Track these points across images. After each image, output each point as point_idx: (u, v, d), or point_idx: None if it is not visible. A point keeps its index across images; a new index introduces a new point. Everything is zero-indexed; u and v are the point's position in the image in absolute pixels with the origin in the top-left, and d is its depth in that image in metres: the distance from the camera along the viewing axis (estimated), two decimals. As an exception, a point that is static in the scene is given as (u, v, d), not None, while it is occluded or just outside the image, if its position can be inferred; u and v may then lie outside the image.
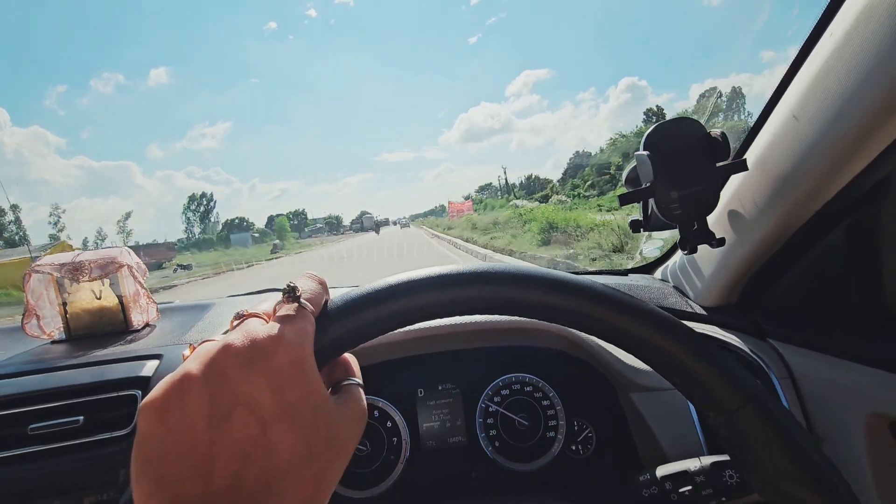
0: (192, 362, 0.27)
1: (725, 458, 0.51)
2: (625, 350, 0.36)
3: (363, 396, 0.33)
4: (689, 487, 0.50)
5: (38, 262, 0.84)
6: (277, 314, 0.30)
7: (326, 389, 0.30)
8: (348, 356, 0.36)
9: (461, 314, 0.36)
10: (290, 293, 0.31)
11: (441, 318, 0.36)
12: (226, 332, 0.30)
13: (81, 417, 0.62)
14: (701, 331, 0.80)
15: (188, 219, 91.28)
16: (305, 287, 0.33)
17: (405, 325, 0.35)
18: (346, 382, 0.34)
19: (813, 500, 0.30)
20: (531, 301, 0.34)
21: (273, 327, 0.29)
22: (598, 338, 0.36)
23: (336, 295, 0.35)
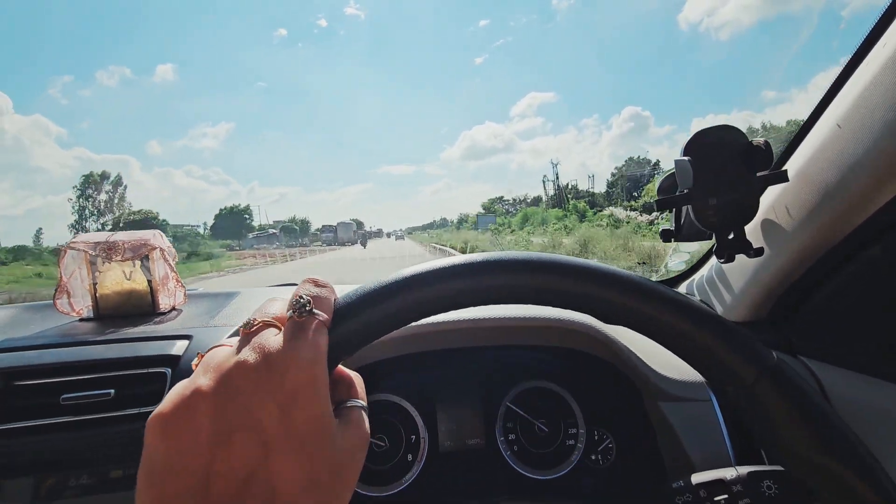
0: (204, 377, 0.27)
1: (763, 468, 0.49)
2: (636, 330, 0.36)
3: (366, 420, 0.32)
4: (725, 496, 0.49)
5: (73, 240, 0.86)
6: (289, 328, 0.29)
7: (332, 411, 0.29)
8: (353, 376, 0.35)
9: (479, 304, 0.36)
10: (300, 309, 0.30)
11: (453, 309, 0.35)
12: (238, 337, 0.30)
13: (112, 391, 0.63)
14: None
15: (80, 207, 64.51)
16: (314, 294, 0.31)
17: (419, 318, 0.35)
18: (349, 404, 0.32)
19: (837, 468, 0.31)
20: (547, 286, 0.35)
21: (287, 343, 0.28)
22: (608, 322, 0.37)
23: (349, 290, 0.34)
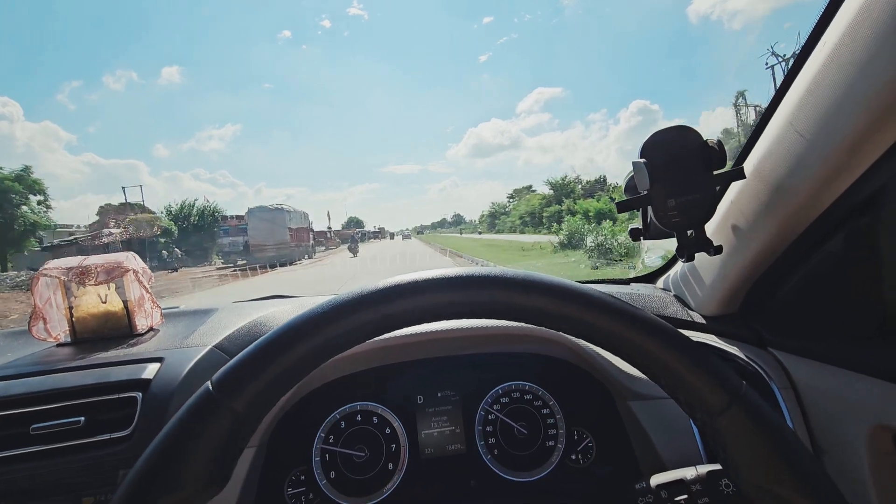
0: None
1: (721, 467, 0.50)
2: (610, 352, 0.35)
3: None
4: (685, 496, 0.49)
5: (45, 266, 0.85)
6: None
7: None
8: None
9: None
10: None
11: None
12: None
13: (83, 418, 0.63)
14: (701, 340, 0.79)
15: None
16: None
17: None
18: None
19: (799, 502, 0.30)
20: (518, 304, 0.35)
21: None
22: (581, 339, 0.36)
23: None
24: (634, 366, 0.35)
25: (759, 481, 0.31)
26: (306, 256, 28.44)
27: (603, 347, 0.36)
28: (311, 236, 33.21)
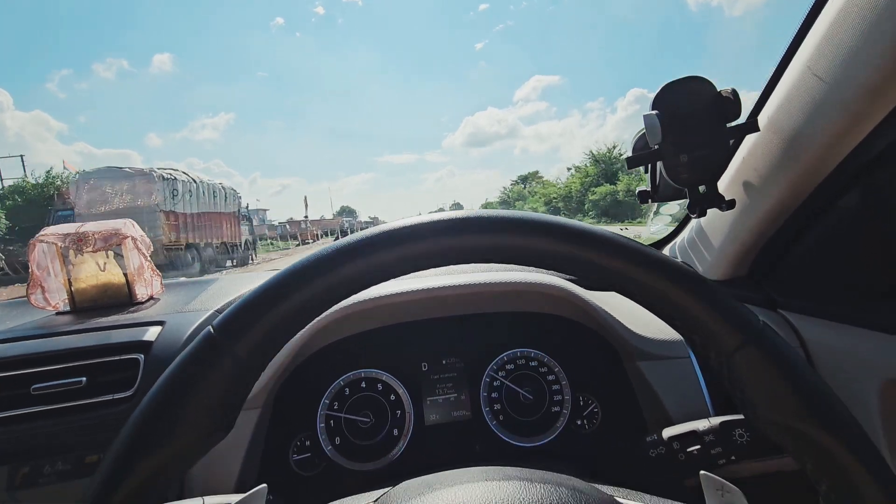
0: None
1: (735, 417, 0.49)
2: (621, 293, 0.34)
3: None
4: (698, 447, 0.49)
5: (42, 233, 0.84)
6: None
7: None
8: None
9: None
10: None
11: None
12: None
13: (84, 379, 0.62)
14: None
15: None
16: None
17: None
18: None
19: (819, 435, 0.29)
20: (525, 246, 0.34)
21: None
22: (591, 280, 0.35)
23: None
24: (647, 307, 0.34)
25: (777, 417, 0.31)
26: (231, 263, 17.87)
27: (615, 290, 0.34)
28: (248, 230, 20.38)
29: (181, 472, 0.31)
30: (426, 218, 0.34)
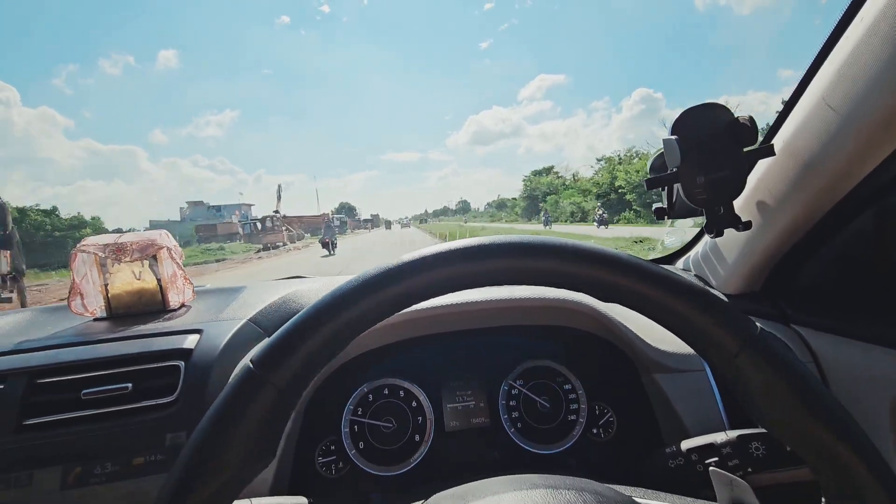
0: None
1: (752, 430, 0.52)
2: (623, 305, 0.37)
3: None
4: (716, 459, 0.51)
5: (83, 243, 0.88)
6: None
7: None
8: None
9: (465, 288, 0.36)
10: None
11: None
12: None
13: (130, 384, 0.66)
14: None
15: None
16: None
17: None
18: None
19: (821, 432, 0.31)
20: (541, 269, 0.36)
21: None
22: (594, 296, 0.37)
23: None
24: (648, 316, 0.36)
25: (779, 416, 0.32)
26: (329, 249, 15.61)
27: (616, 302, 0.37)
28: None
29: (230, 501, 0.33)
30: (446, 246, 0.36)
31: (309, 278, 1.15)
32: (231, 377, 0.34)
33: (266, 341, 0.35)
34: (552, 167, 65.71)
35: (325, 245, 16.12)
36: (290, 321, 0.35)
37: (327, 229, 16.09)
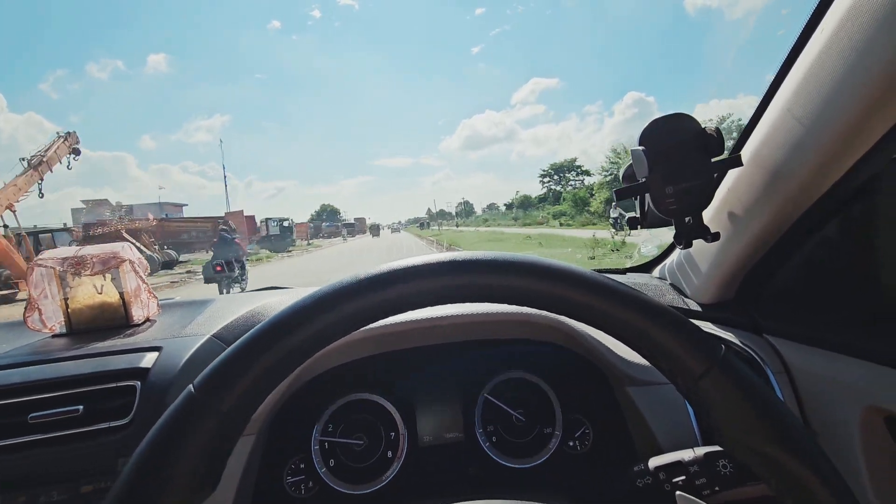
0: None
1: (719, 448, 0.51)
2: (590, 325, 0.36)
3: None
4: (683, 477, 0.50)
5: (40, 256, 0.85)
6: None
7: None
8: None
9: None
10: None
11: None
12: None
13: (81, 407, 0.63)
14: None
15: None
16: None
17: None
18: None
19: (780, 455, 0.31)
20: (489, 284, 0.35)
21: None
22: (560, 314, 0.36)
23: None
24: (615, 337, 0.36)
25: (743, 440, 0.32)
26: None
27: (583, 321, 0.36)
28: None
29: None
30: (409, 262, 0.35)
31: (284, 289, 1.12)
32: (173, 402, 0.32)
33: (211, 364, 0.33)
34: (574, 159, 61.61)
35: (211, 278, 8.32)
36: (236, 343, 0.33)
37: (220, 246, 8.60)
